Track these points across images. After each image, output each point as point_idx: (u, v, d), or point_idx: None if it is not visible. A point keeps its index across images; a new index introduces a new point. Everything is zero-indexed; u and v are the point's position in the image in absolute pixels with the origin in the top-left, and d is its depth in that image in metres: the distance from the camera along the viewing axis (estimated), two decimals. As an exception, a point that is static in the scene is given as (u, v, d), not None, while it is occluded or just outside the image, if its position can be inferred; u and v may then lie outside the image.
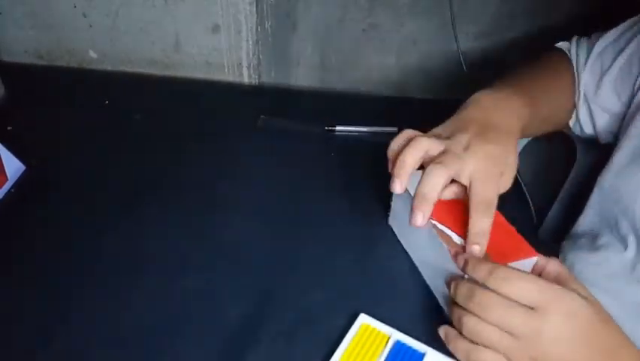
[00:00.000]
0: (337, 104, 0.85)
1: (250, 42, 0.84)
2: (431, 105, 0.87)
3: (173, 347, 0.48)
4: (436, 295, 0.52)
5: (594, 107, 0.62)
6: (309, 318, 0.51)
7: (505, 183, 0.48)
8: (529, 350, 0.39)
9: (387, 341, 0.47)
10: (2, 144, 0.63)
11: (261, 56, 0.86)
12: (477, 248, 0.45)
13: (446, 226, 0.48)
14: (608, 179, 0.57)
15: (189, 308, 0.52)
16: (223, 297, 0.53)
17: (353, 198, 0.65)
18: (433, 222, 0.49)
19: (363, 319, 0.49)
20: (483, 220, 0.45)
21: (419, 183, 0.46)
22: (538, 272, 0.45)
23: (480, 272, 0.41)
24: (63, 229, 0.60)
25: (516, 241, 0.47)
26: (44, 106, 0.80)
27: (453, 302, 0.43)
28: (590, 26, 0.81)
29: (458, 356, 0.42)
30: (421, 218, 0.46)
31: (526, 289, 0.39)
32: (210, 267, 0.56)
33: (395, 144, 0.50)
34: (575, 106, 0.64)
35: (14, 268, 0.56)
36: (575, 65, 0.63)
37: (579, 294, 0.40)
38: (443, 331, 0.44)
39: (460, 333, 0.42)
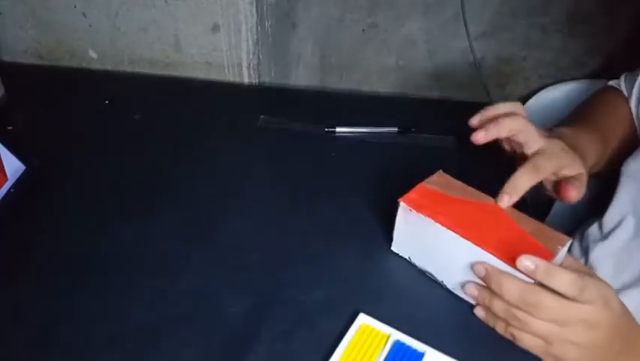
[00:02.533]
0: (337, 104, 0.85)
1: (250, 42, 0.84)
2: (431, 105, 0.88)
3: (173, 347, 0.48)
4: (459, 294, 0.52)
5: None
6: (309, 318, 0.51)
7: (571, 169, 0.52)
8: (571, 335, 0.42)
9: (386, 341, 0.47)
10: (2, 143, 0.63)
11: (261, 56, 0.86)
12: (506, 197, 0.49)
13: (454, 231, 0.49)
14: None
15: (189, 308, 0.52)
16: (223, 297, 0.53)
17: (353, 198, 0.65)
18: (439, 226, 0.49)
19: (363, 319, 0.49)
20: (523, 177, 0.49)
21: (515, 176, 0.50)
22: None
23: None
24: (63, 229, 0.60)
25: (533, 245, 0.48)
26: (44, 106, 0.80)
27: (491, 292, 0.46)
28: (591, 25, 0.81)
29: (503, 332, 0.46)
30: (506, 202, 0.50)
31: (568, 280, 0.42)
32: (210, 267, 0.56)
33: (500, 108, 0.54)
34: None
35: (14, 267, 0.56)
36: (627, 95, 0.65)
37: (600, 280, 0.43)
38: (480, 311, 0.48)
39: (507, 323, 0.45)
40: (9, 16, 0.86)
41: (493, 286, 0.45)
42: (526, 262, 0.42)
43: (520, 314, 0.43)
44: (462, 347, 0.47)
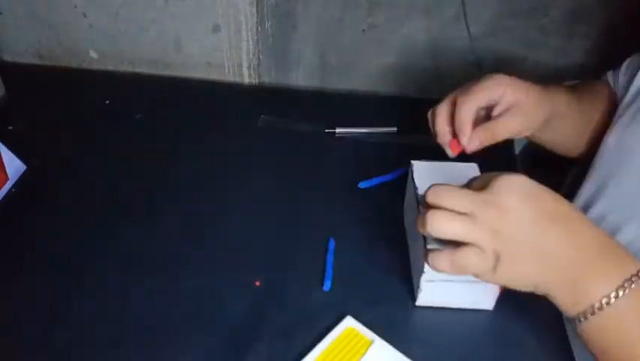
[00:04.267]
0: (337, 104, 0.85)
1: (250, 42, 0.84)
2: (431, 105, 0.87)
3: (174, 346, 0.48)
4: None
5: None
6: (309, 317, 0.51)
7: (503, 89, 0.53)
8: (489, 223, 0.39)
9: (368, 347, 0.47)
10: (3, 143, 0.63)
11: (261, 56, 0.86)
12: (463, 137, 0.51)
13: None
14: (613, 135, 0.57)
15: (189, 308, 0.52)
16: (223, 296, 0.53)
17: (353, 199, 0.65)
18: None
19: (349, 322, 0.49)
20: (459, 109, 0.52)
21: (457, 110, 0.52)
22: None
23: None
24: (63, 229, 0.60)
25: None
26: (44, 106, 0.80)
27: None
28: (591, 25, 0.81)
29: (446, 271, 0.41)
30: (465, 140, 0.51)
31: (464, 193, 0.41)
32: (210, 267, 0.56)
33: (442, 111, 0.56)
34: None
35: (14, 267, 0.56)
36: (611, 82, 0.65)
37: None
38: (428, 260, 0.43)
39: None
40: (9, 16, 0.86)
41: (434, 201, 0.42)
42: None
43: (428, 216, 0.40)
44: None
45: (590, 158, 0.60)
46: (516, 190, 0.40)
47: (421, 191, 0.52)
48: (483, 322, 0.51)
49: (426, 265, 0.47)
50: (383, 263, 0.57)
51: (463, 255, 0.40)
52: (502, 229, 0.39)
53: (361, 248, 0.58)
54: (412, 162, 0.57)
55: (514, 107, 0.53)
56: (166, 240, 0.59)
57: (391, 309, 0.52)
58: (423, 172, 0.55)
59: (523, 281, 0.40)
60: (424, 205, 0.42)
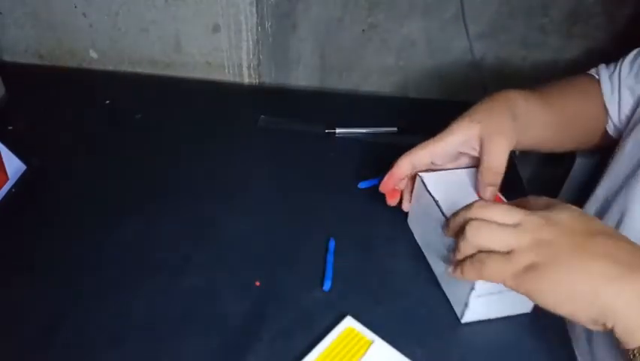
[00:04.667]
0: (337, 104, 0.85)
1: (250, 42, 0.84)
2: (431, 105, 0.87)
3: (174, 346, 0.48)
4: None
5: (623, 89, 0.61)
6: (309, 317, 0.51)
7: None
8: (534, 232, 0.38)
9: (368, 348, 0.47)
10: (3, 143, 0.63)
11: (261, 56, 0.86)
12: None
13: None
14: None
15: (189, 308, 0.52)
16: (223, 296, 0.53)
17: (353, 199, 0.65)
18: None
19: (349, 322, 0.49)
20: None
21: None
22: None
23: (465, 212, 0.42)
24: (63, 229, 0.60)
25: None
26: (44, 106, 0.80)
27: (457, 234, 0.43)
28: (590, 25, 0.81)
29: (471, 278, 0.42)
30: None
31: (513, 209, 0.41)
32: (210, 266, 0.56)
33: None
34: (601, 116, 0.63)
35: (14, 267, 0.56)
36: (598, 76, 0.64)
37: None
38: (450, 269, 0.44)
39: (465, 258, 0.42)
40: (9, 16, 0.86)
41: (452, 225, 0.44)
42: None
43: (475, 223, 0.40)
44: None
45: (587, 151, 0.60)
46: (568, 210, 0.40)
47: (442, 203, 0.51)
48: (480, 322, 0.51)
49: (478, 282, 0.45)
50: (383, 263, 0.57)
51: (491, 260, 0.39)
52: (544, 237, 0.38)
53: (361, 248, 0.58)
54: (420, 173, 0.56)
55: (483, 143, 0.53)
56: (166, 240, 0.59)
57: (391, 309, 0.52)
58: (435, 183, 0.54)
59: (554, 293, 0.37)
60: (456, 217, 0.43)
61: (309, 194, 0.66)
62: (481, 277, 0.40)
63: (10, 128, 0.74)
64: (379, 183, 0.58)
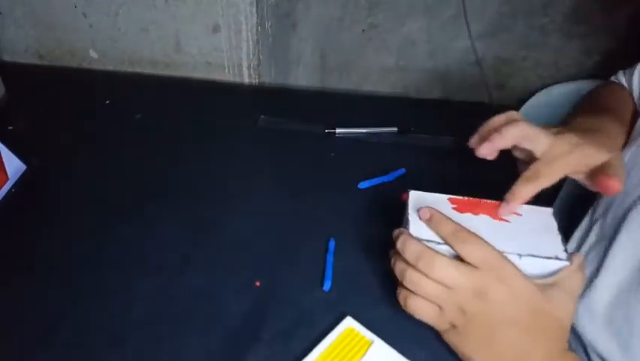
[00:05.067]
0: (337, 104, 0.85)
1: (250, 42, 0.84)
2: (431, 105, 0.88)
3: (174, 346, 0.48)
4: None
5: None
6: (309, 318, 0.51)
7: (591, 159, 0.48)
8: (460, 300, 0.42)
9: (368, 348, 0.47)
10: (3, 143, 0.63)
11: (261, 56, 0.86)
12: (504, 206, 0.48)
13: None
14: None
15: (190, 308, 0.52)
16: (223, 296, 0.53)
17: (353, 199, 0.65)
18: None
19: (349, 322, 0.49)
20: (523, 187, 0.47)
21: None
22: None
23: (410, 254, 0.44)
24: (63, 229, 0.60)
25: None
26: (44, 106, 0.80)
27: (395, 252, 0.46)
28: (590, 25, 0.81)
29: (399, 299, 0.46)
30: (506, 211, 0.48)
31: (450, 229, 0.44)
32: (211, 266, 0.56)
33: (496, 121, 0.51)
34: None
35: (14, 267, 0.56)
36: (625, 82, 0.64)
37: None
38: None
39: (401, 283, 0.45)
40: (9, 16, 0.86)
41: (398, 245, 0.45)
42: (422, 211, 0.46)
43: (414, 275, 0.43)
44: None
45: None
46: (507, 285, 0.41)
47: (413, 230, 0.46)
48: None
49: None
50: (383, 263, 0.57)
51: (421, 306, 0.44)
52: (470, 311, 0.42)
53: (361, 248, 0.58)
54: (411, 191, 0.51)
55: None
56: (166, 240, 0.59)
57: (391, 309, 0.52)
58: (416, 202, 0.50)
59: (463, 354, 0.45)
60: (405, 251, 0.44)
61: (309, 194, 0.66)
62: (411, 313, 0.45)
63: (10, 128, 0.74)
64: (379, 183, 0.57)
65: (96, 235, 0.59)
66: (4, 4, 0.85)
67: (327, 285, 0.53)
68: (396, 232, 0.47)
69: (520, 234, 0.46)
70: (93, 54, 0.89)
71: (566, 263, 0.43)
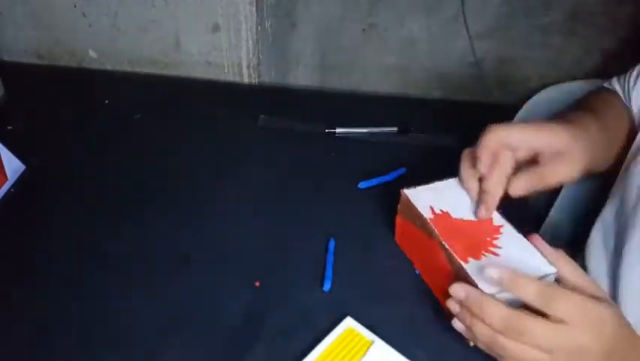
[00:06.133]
0: (337, 104, 0.85)
1: (250, 42, 0.84)
2: (431, 105, 0.87)
3: (174, 346, 0.48)
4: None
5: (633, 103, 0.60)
6: (309, 318, 0.51)
7: (542, 141, 0.50)
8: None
9: (368, 348, 0.47)
10: (2, 143, 0.63)
11: (260, 56, 0.86)
12: (482, 208, 0.50)
13: (449, 245, 0.48)
14: None
15: (189, 308, 0.52)
16: (223, 296, 0.53)
17: (353, 199, 0.65)
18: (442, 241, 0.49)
19: (349, 322, 0.49)
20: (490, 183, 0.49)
21: (486, 179, 0.50)
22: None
23: (497, 322, 0.41)
24: (63, 229, 0.60)
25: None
26: (44, 106, 0.80)
27: (469, 313, 0.43)
28: (591, 25, 0.81)
29: (482, 348, 0.43)
30: (484, 211, 0.50)
31: (534, 290, 0.40)
32: (210, 266, 0.56)
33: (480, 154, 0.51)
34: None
35: (14, 267, 0.56)
36: (620, 90, 0.62)
37: (600, 301, 0.41)
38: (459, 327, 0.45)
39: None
40: (9, 16, 0.86)
41: (475, 310, 0.42)
42: (492, 271, 0.42)
43: (502, 340, 0.41)
44: None
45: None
46: (591, 326, 0.40)
47: (483, 286, 0.44)
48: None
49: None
50: (383, 263, 0.57)
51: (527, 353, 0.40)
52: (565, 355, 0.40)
53: (361, 248, 0.58)
54: (404, 190, 0.54)
55: (561, 155, 0.50)
56: (166, 240, 0.59)
57: (391, 309, 0.52)
58: (420, 199, 0.52)
59: None
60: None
61: (309, 194, 0.66)
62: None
63: (10, 128, 0.74)
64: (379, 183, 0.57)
65: (95, 235, 0.59)
66: (4, 4, 0.85)
67: (327, 285, 0.53)
68: (458, 289, 0.44)
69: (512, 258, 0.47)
70: (92, 54, 0.89)
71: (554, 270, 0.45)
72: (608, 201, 0.56)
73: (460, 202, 0.53)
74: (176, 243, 0.58)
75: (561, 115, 0.57)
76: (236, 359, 0.47)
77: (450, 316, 0.45)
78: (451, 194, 0.53)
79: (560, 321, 0.39)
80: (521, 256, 0.47)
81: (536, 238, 0.47)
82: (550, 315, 0.40)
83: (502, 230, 0.50)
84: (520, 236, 0.49)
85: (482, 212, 0.50)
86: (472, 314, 0.43)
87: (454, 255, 0.47)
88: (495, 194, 0.50)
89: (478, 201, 0.51)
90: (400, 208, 0.55)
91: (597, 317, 0.40)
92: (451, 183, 0.54)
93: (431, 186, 0.54)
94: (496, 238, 0.49)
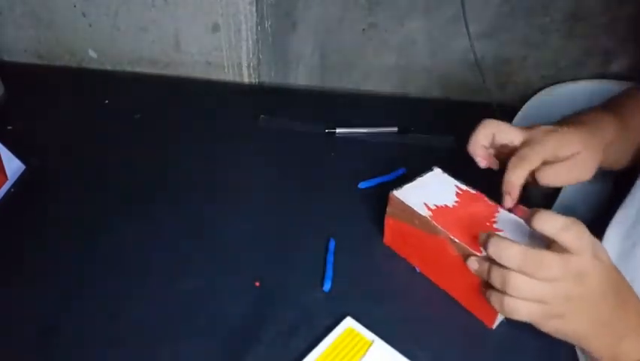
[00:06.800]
0: (337, 104, 0.85)
1: (250, 42, 0.84)
2: (431, 105, 0.87)
3: (173, 347, 0.48)
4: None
5: None
6: (309, 318, 0.51)
7: (564, 149, 0.51)
8: (564, 290, 0.42)
9: (368, 348, 0.47)
10: (2, 143, 0.63)
11: (260, 56, 0.86)
12: (507, 198, 0.50)
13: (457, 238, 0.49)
14: None
15: (189, 308, 0.52)
16: (223, 297, 0.53)
17: (353, 199, 0.65)
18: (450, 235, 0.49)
19: (349, 322, 0.49)
20: (513, 172, 0.50)
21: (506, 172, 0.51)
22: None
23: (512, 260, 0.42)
24: (63, 229, 0.60)
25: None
26: (44, 106, 0.80)
27: (487, 259, 0.45)
28: (591, 25, 0.81)
29: (497, 309, 0.44)
30: (510, 201, 0.51)
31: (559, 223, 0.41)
32: (210, 267, 0.56)
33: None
34: None
35: (14, 267, 0.56)
36: None
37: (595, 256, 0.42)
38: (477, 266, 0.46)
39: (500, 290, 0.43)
40: (9, 16, 0.86)
41: (492, 251, 0.43)
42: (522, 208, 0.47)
43: (519, 280, 0.42)
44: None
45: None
46: (601, 260, 0.42)
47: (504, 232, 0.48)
48: (481, 326, 0.51)
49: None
50: (383, 263, 0.57)
51: (523, 307, 0.42)
52: (575, 296, 0.42)
53: (361, 248, 0.58)
54: (392, 192, 0.54)
55: (573, 158, 0.52)
56: (166, 240, 0.59)
57: (391, 309, 0.52)
58: (411, 198, 0.53)
59: (569, 334, 0.44)
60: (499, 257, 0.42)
61: (309, 194, 0.66)
62: (508, 315, 0.44)
63: (10, 128, 0.74)
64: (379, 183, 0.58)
65: (95, 235, 0.59)
66: (4, 4, 0.85)
67: (327, 285, 0.53)
68: (483, 236, 0.45)
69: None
70: (92, 54, 0.89)
71: None
72: (629, 197, 0.56)
73: (447, 191, 0.54)
74: (176, 243, 0.58)
75: (577, 115, 0.58)
76: (237, 359, 0.47)
77: (461, 297, 0.49)
78: (437, 186, 0.55)
79: (567, 251, 0.41)
80: (522, 232, 0.48)
81: (519, 208, 0.51)
82: (568, 245, 0.41)
83: (496, 213, 0.51)
84: (512, 216, 0.51)
85: (508, 202, 0.51)
86: (490, 263, 0.44)
87: (468, 247, 0.47)
88: (516, 183, 0.51)
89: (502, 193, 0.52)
90: (389, 210, 0.55)
91: (594, 243, 0.42)
92: (433, 174, 0.57)
93: (415, 183, 0.55)
94: (495, 222, 0.50)
